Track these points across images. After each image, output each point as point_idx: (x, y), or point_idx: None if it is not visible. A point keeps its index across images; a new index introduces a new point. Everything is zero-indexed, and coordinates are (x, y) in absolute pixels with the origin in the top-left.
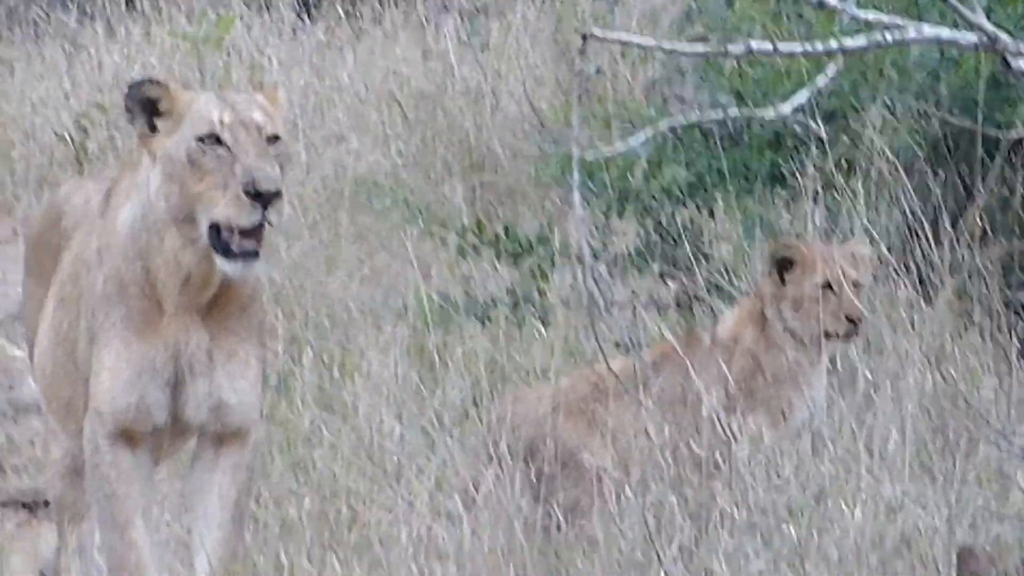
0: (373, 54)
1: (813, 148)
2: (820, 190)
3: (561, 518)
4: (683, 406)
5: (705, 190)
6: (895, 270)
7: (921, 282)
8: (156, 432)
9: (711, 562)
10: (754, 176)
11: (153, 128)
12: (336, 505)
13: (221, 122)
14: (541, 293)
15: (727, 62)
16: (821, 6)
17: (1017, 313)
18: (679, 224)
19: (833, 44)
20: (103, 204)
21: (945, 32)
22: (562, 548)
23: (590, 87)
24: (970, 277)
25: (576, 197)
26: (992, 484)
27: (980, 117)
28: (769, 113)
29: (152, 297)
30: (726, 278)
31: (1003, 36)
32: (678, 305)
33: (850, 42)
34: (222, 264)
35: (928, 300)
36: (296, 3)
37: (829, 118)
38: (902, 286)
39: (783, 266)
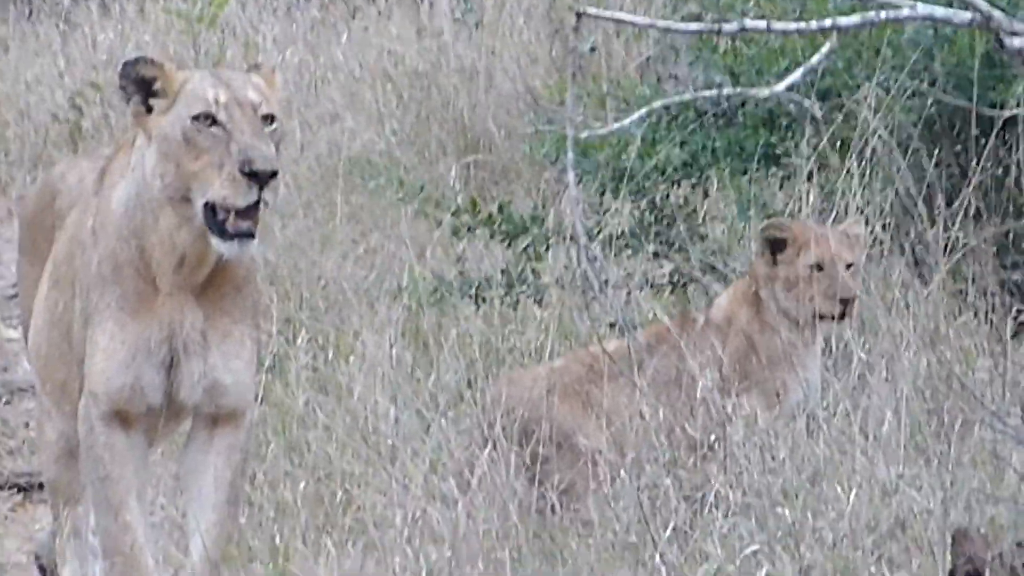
0: (367, 32)
1: (807, 127)
2: (814, 169)
3: (556, 500)
4: (678, 387)
5: (699, 169)
6: (889, 250)
7: (916, 262)
8: (151, 413)
9: (705, 544)
10: (748, 155)
11: (148, 107)
12: (331, 487)
13: (216, 101)
14: (535, 273)
15: (721, 40)
16: None
17: (1012, 293)
18: (673, 204)
19: (827, 22)
20: (97, 183)
21: (939, 10)
22: (557, 530)
23: (584, 65)
24: (965, 257)
25: (570, 176)
26: (987, 466)
27: (975, 96)
28: (763, 92)
29: (147, 277)
30: (720, 258)
31: (997, 14)
32: (672, 285)
33: (844, 20)
34: (217, 244)
35: (923, 280)
36: None
37: (823, 97)
38: (896, 266)
39: (775, 246)
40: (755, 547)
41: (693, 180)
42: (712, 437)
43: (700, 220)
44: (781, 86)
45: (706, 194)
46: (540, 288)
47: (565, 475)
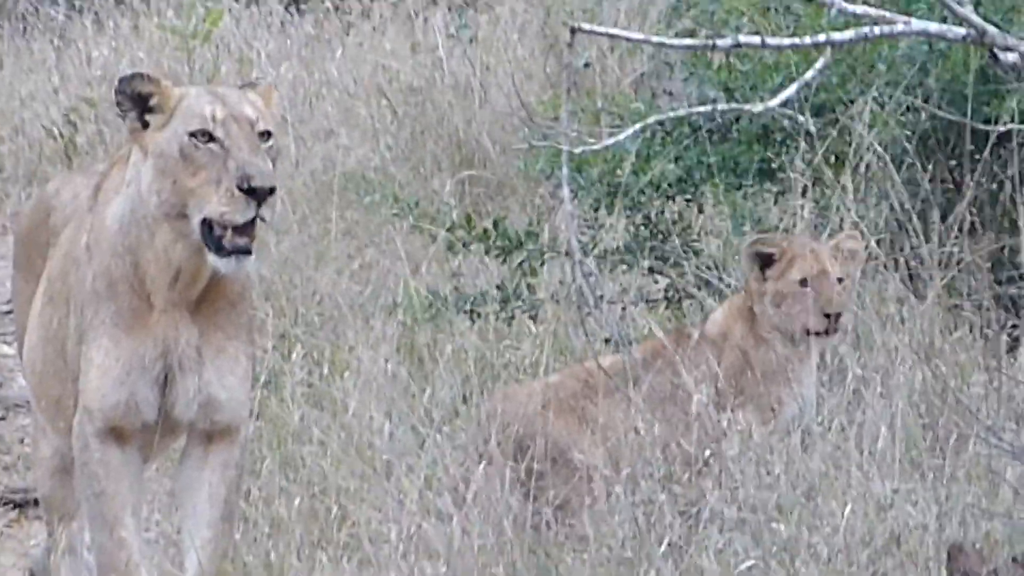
0: (362, 48)
1: (802, 142)
2: (809, 184)
3: (551, 516)
4: (673, 403)
5: (694, 185)
6: (884, 265)
7: (910, 277)
8: (145, 429)
9: (701, 559)
10: (743, 170)
11: (144, 123)
12: (326, 503)
13: (213, 118)
14: (530, 289)
15: (715, 56)
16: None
17: (1007, 308)
18: (668, 219)
19: (821, 38)
20: (92, 199)
21: (933, 26)
22: (552, 546)
23: (578, 81)
24: (959, 272)
25: (565, 192)
26: (981, 481)
27: (969, 111)
28: (757, 107)
29: (141, 293)
30: (715, 273)
31: (991, 29)
32: (667, 300)
33: (838, 36)
34: (214, 260)
35: (917, 295)
36: None
37: (818, 112)
38: (891, 281)
39: (764, 262)
40: (750, 562)
41: (688, 195)
42: (707, 452)
43: (695, 235)
44: (775, 101)
45: (701, 209)
46: (535, 303)
47: (560, 491)
